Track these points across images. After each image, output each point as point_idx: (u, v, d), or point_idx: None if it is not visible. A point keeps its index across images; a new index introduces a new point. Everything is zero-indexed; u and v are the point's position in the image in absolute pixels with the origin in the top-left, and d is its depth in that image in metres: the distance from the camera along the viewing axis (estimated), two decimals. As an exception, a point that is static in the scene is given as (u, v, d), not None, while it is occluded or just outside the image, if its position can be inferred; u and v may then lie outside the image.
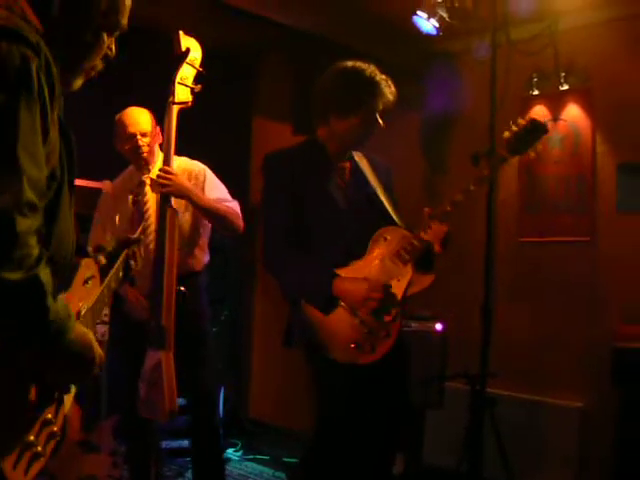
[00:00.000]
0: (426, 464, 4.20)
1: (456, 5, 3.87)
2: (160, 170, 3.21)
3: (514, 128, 2.84)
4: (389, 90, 2.88)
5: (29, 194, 1.32)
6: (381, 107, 2.87)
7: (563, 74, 4.35)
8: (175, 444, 4.54)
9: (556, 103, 4.48)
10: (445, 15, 3.90)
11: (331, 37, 4.62)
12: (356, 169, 2.98)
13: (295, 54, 5.28)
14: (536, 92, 4.52)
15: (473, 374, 3.54)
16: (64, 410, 1.70)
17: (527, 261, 4.53)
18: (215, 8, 4.20)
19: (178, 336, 3.12)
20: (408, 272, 2.79)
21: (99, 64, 1.75)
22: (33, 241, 1.33)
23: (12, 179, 1.31)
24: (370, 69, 2.89)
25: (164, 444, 4.39)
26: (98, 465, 3.59)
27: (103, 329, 4.08)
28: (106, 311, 4.11)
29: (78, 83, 1.73)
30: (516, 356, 4.31)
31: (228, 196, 3.54)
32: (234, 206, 3.51)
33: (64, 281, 1.68)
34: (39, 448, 1.57)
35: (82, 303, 1.75)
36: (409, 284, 2.79)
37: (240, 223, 3.50)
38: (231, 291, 5.44)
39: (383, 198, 2.94)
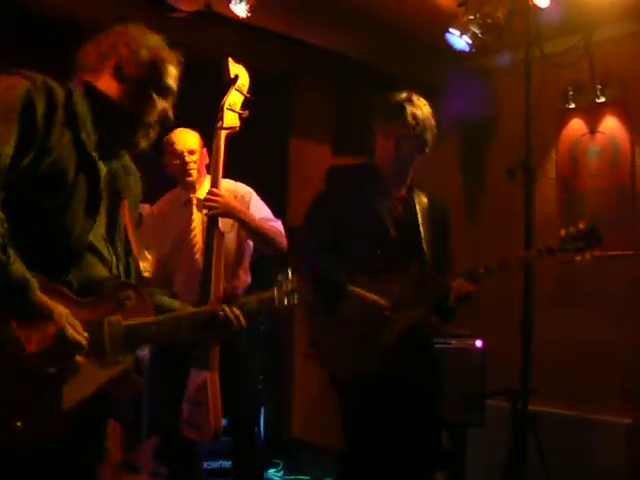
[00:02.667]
0: (469, 483, 4.14)
1: (489, 21, 3.87)
2: (208, 193, 3.26)
3: (571, 230, 2.88)
4: (410, 111, 2.92)
5: None
6: (403, 131, 2.92)
7: (599, 86, 4.31)
8: (216, 465, 4.54)
9: (593, 116, 4.43)
10: (478, 31, 3.91)
11: (368, 59, 4.66)
12: (410, 201, 3.03)
13: (332, 76, 5.33)
14: (572, 105, 4.48)
15: (514, 391, 3.50)
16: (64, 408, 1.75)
17: (567, 276, 4.47)
18: (254, 32, 4.26)
19: (220, 356, 3.15)
20: (417, 310, 2.89)
21: (155, 126, 2.00)
22: None
23: None
24: (403, 94, 2.97)
25: (205, 465, 4.40)
26: (139, 486, 3.62)
27: (143, 350, 4.12)
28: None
29: (142, 143, 2.00)
30: (558, 372, 4.24)
31: (272, 216, 3.61)
32: (278, 225, 3.57)
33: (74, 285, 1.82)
34: (18, 424, 1.68)
35: (113, 316, 1.85)
36: (417, 322, 2.89)
37: (284, 242, 3.56)
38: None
39: (423, 238, 2.98)
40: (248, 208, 3.53)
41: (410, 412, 2.88)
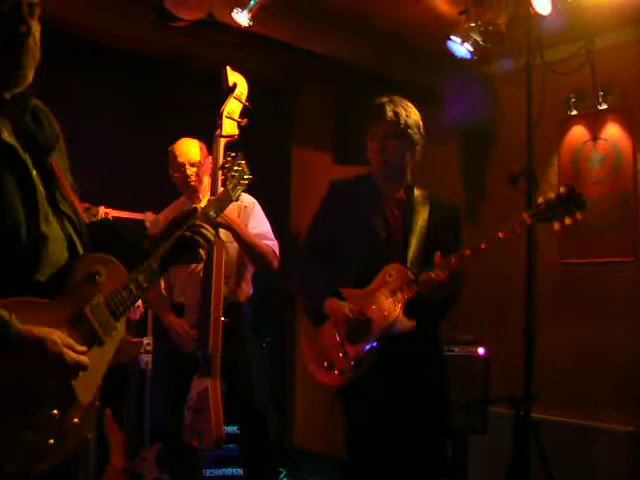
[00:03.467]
0: (472, 490, 4.14)
1: (490, 28, 3.88)
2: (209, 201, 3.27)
3: (550, 195, 2.78)
4: (390, 109, 2.93)
5: None
6: (385, 129, 2.93)
7: (601, 93, 4.32)
8: (219, 472, 4.54)
9: (595, 122, 4.44)
10: (479, 39, 3.91)
11: (369, 67, 4.67)
12: (408, 204, 3.03)
13: (334, 84, 5.34)
14: (574, 112, 4.49)
15: (516, 398, 3.49)
16: (83, 402, 1.77)
17: (569, 283, 4.47)
18: (255, 40, 4.28)
19: (224, 365, 3.16)
20: (395, 312, 2.84)
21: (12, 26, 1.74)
22: None
23: None
24: (385, 97, 2.99)
25: (207, 472, 4.40)
26: (142, 493, 3.62)
27: (146, 358, 4.14)
28: (149, 340, 4.17)
29: (23, 58, 1.76)
30: (560, 379, 4.24)
31: (271, 234, 3.62)
32: (273, 246, 3.60)
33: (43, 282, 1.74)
34: (50, 442, 1.69)
35: (93, 300, 1.80)
36: (394, 322, 2.83)
37: (275, 264, 3.59)
38: (272, 318, 5.45)
39: (413, 241, 2.96)
40: (249, 218, 3.56)
41: (415, 418, 2.88)
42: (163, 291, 3.65)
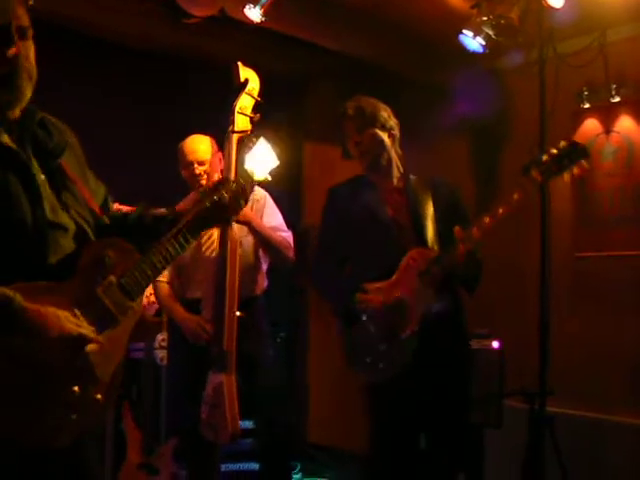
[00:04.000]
0: (487, 484, 4.14)
1: (502, 22, 3.87)
2: None
3: (552, 151, 2.82)
4: (349, 106, 3.08)
5: None
6: (353, 124, 3.05)
7: (614, 86, 4.30)
8: (235, 467, 4.56)
9: (608, 115, 4.42)
10: (491, 32, 3.90)
11: (380, 62, 4.67)
12: (407, 191, 3.04)
13: (345, 80, 5.34)
14: (587, 105, 4.47)
15: (531, 392, 3.49)
16: (104, 379, 1.85)
17: (583, 276, 4.46)
18: (266, 36, 4.29)
19: (239, 359, 3.17)
20: (429, 293, 2.86)
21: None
22: None
23: None
24: (348, 101, 3.13)
25: (223, 467, 4.42)
26: (159, 488, 3.64)
27: (161, 354, 4.16)
28: (164, 336, 4.19)
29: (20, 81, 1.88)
30: (575, 373, 4.23)
31: (284, 226, 3.64)
32: (288, 237, 3.62)
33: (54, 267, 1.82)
34: (73, 416, 1.78)
35: (105, 281, 1.87)
36: (428, 304, 2.86)
37: (291, 255, 3.61)
38: (286, 313, 5.47)
39: (427, 223, 2.98)
40: (262, 212, 3.56)
41: (440, 412, 2.90)
42: (167, 285, 3.64)
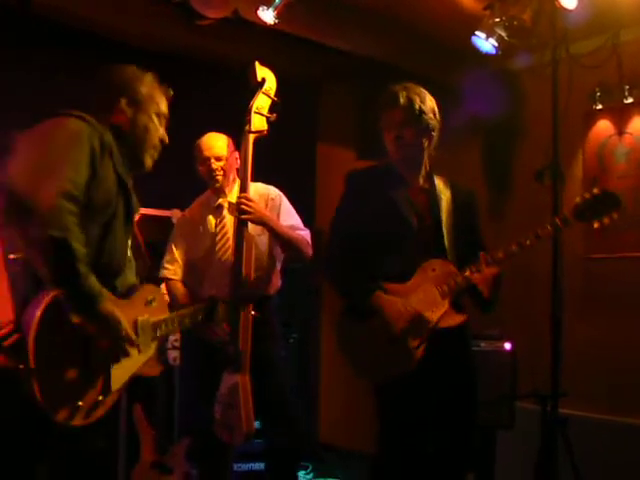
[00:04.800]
0: (499, 486, 4.14)
1: (515, 23, 3.86)
2: (240, 197, 3.29)
3: (586, 195, 2.86)
4: (404, 95, 2.93)
5: (68, 186, 2.08)
6: (400, 116, 2.92)
7: (627, 87, 4.30)
8: (246, 467, 4.58)
9: (621, 116, 4.42)
10: (504, 34, 3.90)
11: (393, 63, 4.67)
12: (432, 192, 3.03)
13: (358, 80, 5.35)
14: (600, 106, 4.47)
15: (543, 393, 3.49)
16: (112, 390, 2.27)
17: (595, 278, 4.45)
18: (279, 37, 4.30)
19: (252, 359, 3.18)
20: (444, 306, 2.88)
21: (158, 146, 2.51)
22: (70, 219, 2.05)
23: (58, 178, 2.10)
24: (399, 85, 2.98)
25: (235, 467, 4.44)
26: (172, 487, 3.66)
27: (174, 354, 4.18)
28: (177, 336, 4.21)
29: (149, 163, 2.51)
30: (588, 375, 4.23)
31: (301, 224, 3.64)
32: (306, 235, 3.61)
33: (119, 290, 2.34)
34: (80, 404, 2.15)
35: (143, 316, 2.40)
36: (441, 318, 2.87)
37: (310, 252, 3.60)
38: (299, 314, 5.48)
39: (445, 228, 2.97)
40: (279, 211, 3.57)
41: (447, 413, 2.90)
42: (181, 283, 3.65)
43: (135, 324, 2.34)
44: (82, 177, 2.14)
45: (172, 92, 2.60)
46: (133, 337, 2.27)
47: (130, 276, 2.43)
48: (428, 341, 2.84)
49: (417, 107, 2.91)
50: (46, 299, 2.06)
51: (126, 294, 2.36)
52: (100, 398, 2.23)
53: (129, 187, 2.38)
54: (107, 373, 2.25)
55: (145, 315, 2.40)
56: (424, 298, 2.87)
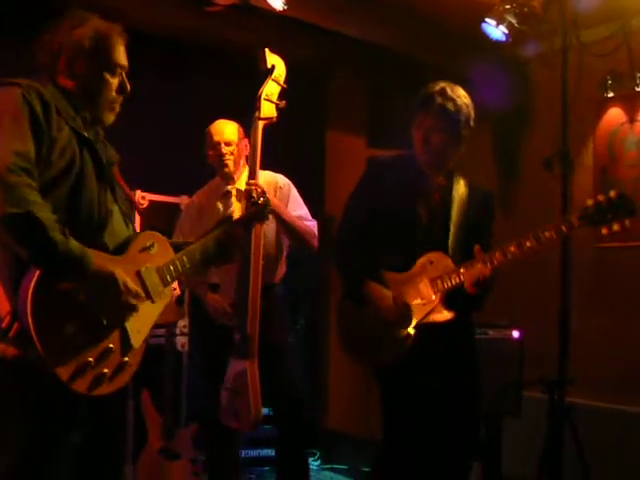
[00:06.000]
0: (505, 474, 4.13)
1: (525, 10, 3.84)
2: (249, 184, 3.29)
3: (600, 198, 2.68)
4: (439, 103, 2.85)
5: (13, 159, 1.96)
6: (430, 122, 2.88)
7: (638, 74, 4.26)
8: (254, 453, 4.60)
9: (632, 104, 4.38)
10: (514, 21, 3.87)
11: (402, 50, 4.65)
12: (448, 188, 3.01)
13: (367, 68, 5.33)
14: (611, 94, 4.43)
15: (550, 381, 3.48)
16: (135, 347, 2.19)
17: (605, 266, 4.43)
18: (288, 24, 4.29)
19: (259, 346, 3.19)
20: (434, 301, 2.86)
21: (117, 99, 2.30)
22: (25, 190, 1.94)
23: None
24: (438, 86, 2.90)
25: (243, 453, 4.46)
26: (179, 472, 3.68)
27: (182, 340, 4.20)
28: (185, 322, 4.23)
29: (109, 117, 2.31)
30: (595, 363, 4.21)
31: (309, 215, 3.64)
32: (313, 226, 3.61)
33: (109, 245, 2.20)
34: (105, 370, 2.09)
35: (145, 265, 2.25)
36: (431, 311, 2.86)
37: (315, 243, 3.62)
38: (306, 301, 5.49)
39: (452, 228, 2.95)
40: (287, 199, 3.57)
41: (450, 401, 2.90)
42: None
43: (139, 275, 2.22)
44: (27, 145, 2.01)
45: (126, 35, 2.37)
46: (135, 289, 2.14)
47: (121, 228, 2.28)
48: (422, 332, 2.84)
49: (448, 117, 2.85)
50: (33, 279, 1.97)
51: (120, 249, 2.22)
52: (125, 359, 2.15)
53: (93, 139, 2.23)
54: (124, 332, 2.16)
55: (147, 264, 2.25)
56: (418, 290, 2.88)
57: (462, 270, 2.81)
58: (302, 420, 3.55)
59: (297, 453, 3.59)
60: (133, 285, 2.14)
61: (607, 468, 3.89)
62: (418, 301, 2.87)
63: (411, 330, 2.84)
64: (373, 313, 2.92)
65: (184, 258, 2.37)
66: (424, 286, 2.87)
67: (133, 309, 2.15)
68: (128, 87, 2.31)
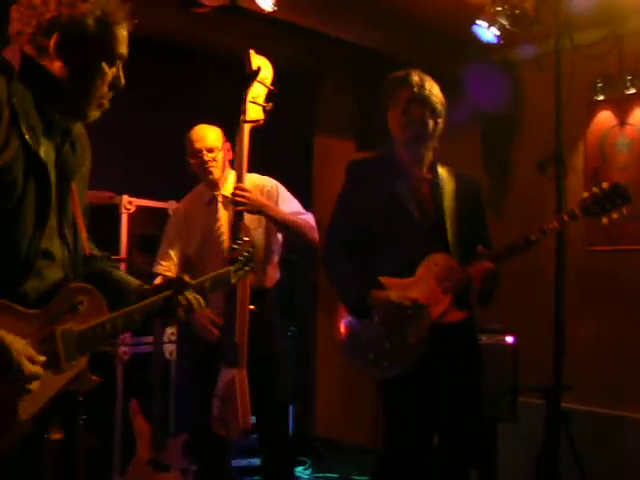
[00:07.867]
0: (500, 480, 4.11)
1: (517, 12, 3.82)
2: (236, 188, 3.22)
3: (595, 190, 2.82)
4: (415, 75, 2.89)
5: None
6: (409, 93, 2.87)
7: (629, 77, 4.26)
8: (244, 462, 4.53)
9: (622, 107, 4.38)
10: (506, 23, 3.85)
11: (391, 53, 4.62)
12: (435, 183, 2.97)
13: (356, 70, 5.29)
14: (601, 97, 4.43)
15: (547, 387, 3.46)
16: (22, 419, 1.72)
17: (599, 270, 4.42)
18: (275, 26, 4.24)
19: (251, 354, 3.13)
20: (445, 302, 2.82)
21: (107, 94, 1.89)
22: None
23: None
24: (408, 69, 2.93)
25: (233, 462, 4.38)
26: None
27: (170, 348, 4.13)
28: (173, 330, 4.16)
29: (95, 114, 1.89)
30: (590, 369, 4.19)
31: (302, 209, 3.55)
32: (309, 218, 3.51)
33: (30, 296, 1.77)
34: None
35: (65, 325, 1.79)
36: (443, 313, 2.82)
37: (315, 235, 3.51)
38: (296, 308, 5.44)
39: (448, 220, 2.91)
40: (276, 201, 3.48)
41: (452, 410, 2.85)
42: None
43: (51, 337, 1.76)
44: None
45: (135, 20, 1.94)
46: (34, 370, 1.67)
47: (54, 273, 1.85)
48: (431, 337, 2.79)
49: (428, 87, 2.89)
50: None
51: (46, 298, 1.80)
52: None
53: (56, 147, 1.84)
54: (11, 407, 1.70)
55: (68, 323, 1.80)
56: (426, 293, 2.82)
57: (469, 269, 2.79)
58: (287, 429, 3.50)
59: (283, 462, 3.53)
60: (30, 366, 1.67)
61: (603, 474, 3.86)
62: (430, 302, 2.81)
63: (425, 334, 2.78)
64: (380, 321, 2.84)
65: (118, 321, 1.89)
66: (433, 287, 2.82)
67: (26, 391, 1.69)
68: (122, 81, 1.92)
